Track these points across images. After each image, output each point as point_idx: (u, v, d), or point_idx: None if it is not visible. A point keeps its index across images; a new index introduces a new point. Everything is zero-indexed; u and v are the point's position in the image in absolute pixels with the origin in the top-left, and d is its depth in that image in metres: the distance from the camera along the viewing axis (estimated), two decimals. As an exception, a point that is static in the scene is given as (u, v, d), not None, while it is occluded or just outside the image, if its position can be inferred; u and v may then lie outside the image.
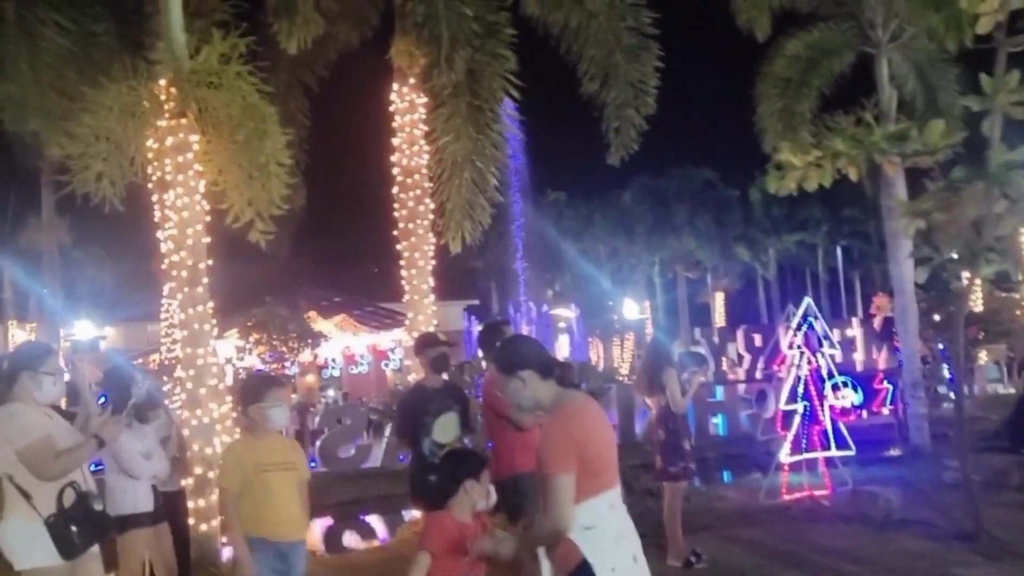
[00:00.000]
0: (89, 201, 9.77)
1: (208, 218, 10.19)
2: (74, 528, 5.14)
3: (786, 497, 11.65)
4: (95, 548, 5.35)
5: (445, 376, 7.90)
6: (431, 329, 12.76)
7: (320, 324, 29.10)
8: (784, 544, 9.43)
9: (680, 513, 9.05)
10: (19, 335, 31.85)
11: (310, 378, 27.84)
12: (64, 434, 5.32)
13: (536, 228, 40.62)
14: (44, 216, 25.51)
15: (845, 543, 9.22)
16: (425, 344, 7.81)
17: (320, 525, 14.87)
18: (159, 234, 10.10)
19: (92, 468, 5.80)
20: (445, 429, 7.33)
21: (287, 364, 23.52)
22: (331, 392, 32.89)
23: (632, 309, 38.03)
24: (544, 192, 47.96)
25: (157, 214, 10.65)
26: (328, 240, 36.81)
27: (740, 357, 23.86)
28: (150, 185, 10.80)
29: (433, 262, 12.92)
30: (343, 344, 31.56)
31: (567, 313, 37.16)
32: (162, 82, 9.65)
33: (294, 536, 5.95)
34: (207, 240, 9.93)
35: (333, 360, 32.06)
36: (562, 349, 31.39)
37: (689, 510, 10.27)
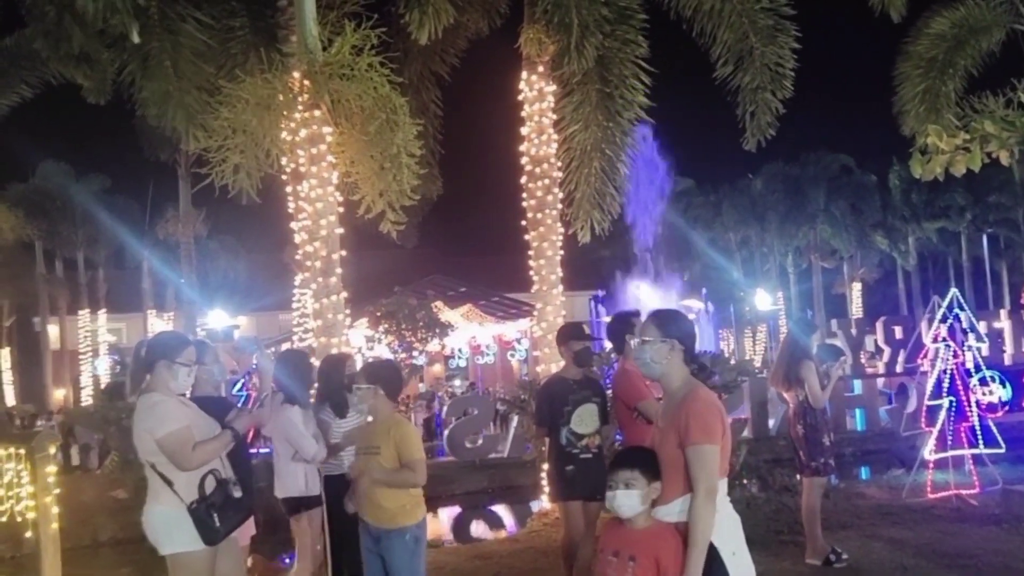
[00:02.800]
0: (226, 193, 9.97)
1: (341, 209, 10.30)
2: (215, 514, 5.21)
3: (931, 495, 11.17)
4: (235, 533, 5.42)
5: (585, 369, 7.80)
6: (560, 320, 12.67)
7: (446, 314, 29.34)
8: (929, 544, 9.02)
9: (820, 510, 8.75)
10: (158, 324, 33.03)
11: (437, 368, 28.15)
12: (201, 424, 5.39)
13: (665, 217, 40.14)
14: (181, 209, 26.36)
15: (995, 545, 8.77)
16: (569, 336, 7.70)
17: (448, 514, 15.00)
18: (293, 225, 10.25)
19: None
20: (584, 420, 7.23)
21: (415, 354, 23.76)
22: (457, 382, 33.20)
23: (764, 300, 37.34)
24: (673, 180, 47.37)
25: (291, 205, 10.78)
26: (456, 230, 37.11)
27: (879, 350, 23.08)
28: (284, 177, 10.94)
29: (561, 252, 12.76)
30: (469, 334, 31.78)
31: (696, 304, 36.66)
32: (296, 75, 9.78)
33: (376, 522, 5.89)
34: (340, 231, 10.02)
35: (459, 350, 32.31)
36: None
37: (828, 507, 9.95)
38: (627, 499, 4.15)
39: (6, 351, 43.41)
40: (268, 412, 6.39)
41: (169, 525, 5.19)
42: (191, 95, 10.83)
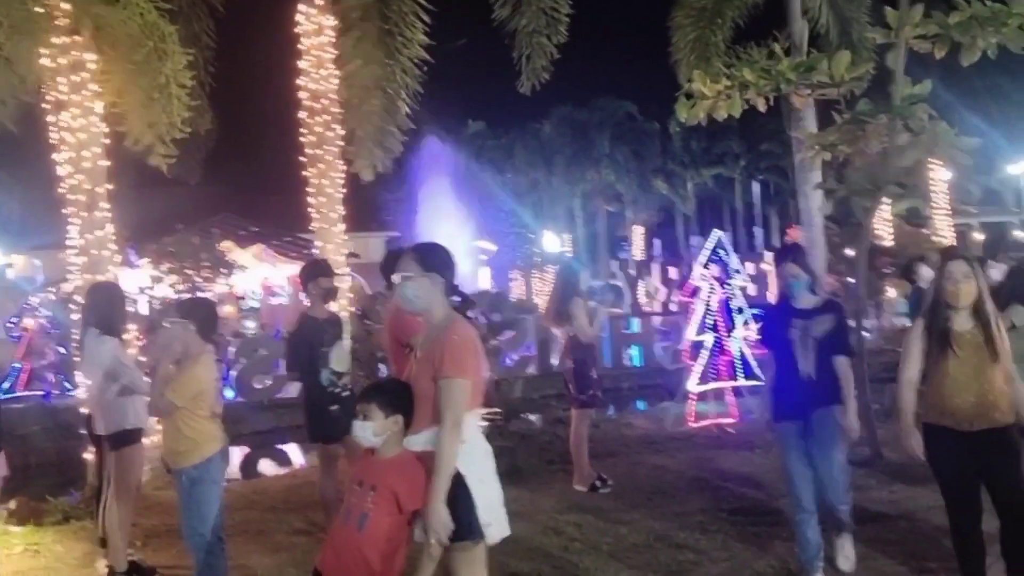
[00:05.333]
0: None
1: (108, 141, 9.87)
2: None
3: (692, 425, 11.84)
4: None
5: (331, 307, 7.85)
6: (343, 259, 12.60)
7: (237, 254, 28.61)
8: (689, 470, 9.59)
9: (587, 439, 9.16)
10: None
11: (228, 309, 27.45)
12: None
13: (456, 159, 40.24)
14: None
15: (748, 469, 9.40)
16: (317, 273, 7.67)
17: (235, 453, 14.82)
18: (55, 157, 9.72)
19: None
20: (341, 358, 7.27)
21: (200, 294, 23.12)
22: (251, 324, 32.49)
23: (552, 242, 38.14)
24: (464, 122, 47.58)
25: (54, 137, 10.25)
26: (245, 169, 36.02)
27: (656, 290, 24.06)
28: (45, 106, 10.37)
29: (343, 190, 12.61)
30: (262, 275, 31.11)
31: (488, 246, 37.04)
32: (54, -2, 9.25)
33: (171, 462, 5.82)
34: (106, 163, 9.60)
35: (252, 292, 31.58)
36: (483, 281, 31.36)
37: (597, 437, 10.42)
38: (361, 430, 4.22)
39: None
40: (12, 350, 6.11)
41: None
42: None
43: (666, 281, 24.32)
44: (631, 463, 10.08)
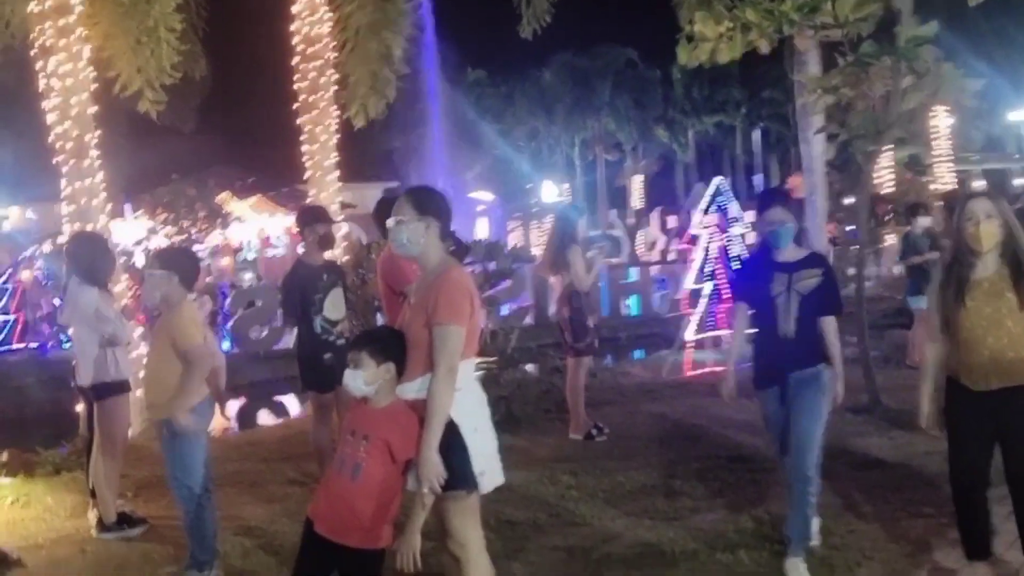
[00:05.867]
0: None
1: (96, 87, 9.69)
2: None
3: (689, 373, 11.78)
4: None
5: (327, 254, 7.72)
6: (337, 207, 12.47)
7: (234, 206, 28.49)
8: (685, 417, 9.53)
9: (583, 388, 9.08)
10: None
11: (225, 260, 27.39)
12: None
13: (456, 108, 39.96)
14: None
15: (744, 416, 9.24)
16: (313, 218, 7.53)
17: (231, 405, 14.82)
18: (44, 104, 9.54)
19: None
20: (336, 305, 7.16)
21: (197, 246, 23.04)
22: (248, 275, 32.42)
23: (551, 191, 37.98)
24: (464, 71, 47.10)
25: (42, 83, 10.07)
26: (241, 117, 35.73)
27: (655, 239, 23.97)
28: (33, 53, 10.17)
29: (337, 137, 12.44)
30: (259, 226, 31.00)
31: (487, 196, 36.89)
32: (39, -63, 9.02)
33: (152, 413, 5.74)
34: (94, 109, 9.42)
35: (248, 243, 31.51)
36: (481, 232, 31.24)
37: (594, 386, 10.36)
38: (352, 379, 4.11)
39: None
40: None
41: None
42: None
43: (665, 230, 24.19)
44: (628, 412, 10.02)
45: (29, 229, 28.23)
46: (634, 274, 20.30)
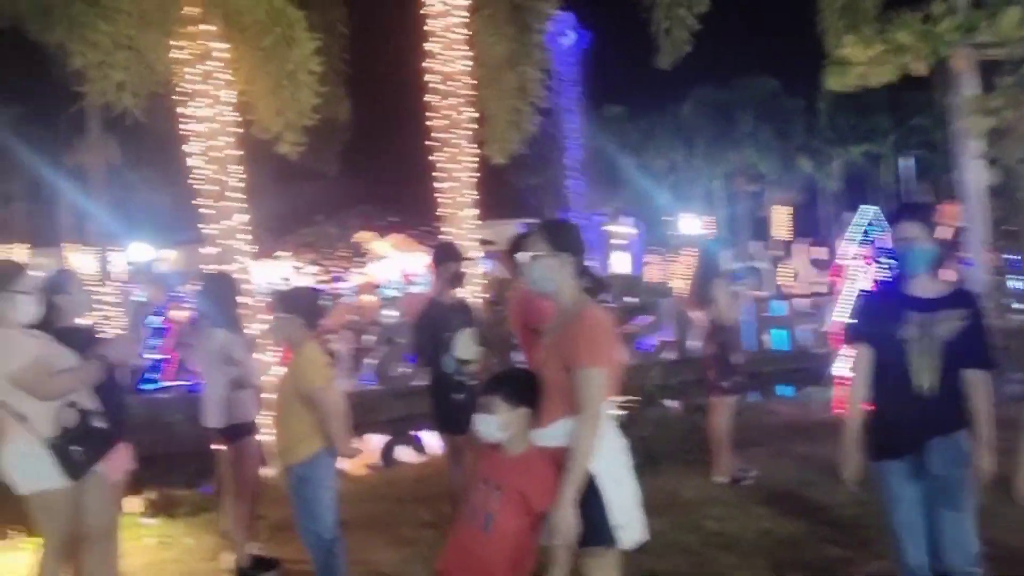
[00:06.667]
0: (118, 115, 9.50)
1: (240, 131, 9.89)
2: (76, 448, 4.93)
3: (839, 411, 11.23)
4: (99, 466, 5.14)
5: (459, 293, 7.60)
6: (474, 245, 12.38)
7: (376, 244, 28.96)
8: (836, 459, 9.00)
9: (729, 429, 8.71)
10: (75, 258, 32.13)
11: (367, 298, 27.87)
12: (57, 354, 5.07)
13: (594, 144, 39.87)
14: (91, 135, 25.15)
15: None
16: (444, 257, 7.42)
17: (368, 441, 14.91)
18: (186, 148, 9.78)
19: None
20: (467, 345, 6.99)
21: (339, 283, 23.48)
22: (390, 312, 32.90)
23: (691, 224, 37.39)
24: (603, 107, 46.99)
25: (186, 128, 10.33)
26: (382, 158, 36.49)
27: (800, 271, 23.30)
28: (176, 97, 10.47)
29: (476, 175, 12.39)
30: (401, 264, 31.49)
31: (626, 229, 36.61)
32: (184, -14, 9.28)
33: (279, 458, 5.67)
34: (236, 153, 9.61)
35: (391, 280, 32.02)
36: (619, 265, 30.97)
37: (739, 425, 9.89)
38: (484, 424, 3.93)
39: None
40: (135, 343, 6.10)
41: (26, 463, 4.90)
42: (75, 7, 10.23)
43: (811, 261, 23.46)
44: (775, 453, 9.62)
45: (182, 271, 29.29)
46: (779, 307, 19.71)
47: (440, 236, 12.26)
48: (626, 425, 4.20)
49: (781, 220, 45.35)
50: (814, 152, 51.19)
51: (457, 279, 7.37)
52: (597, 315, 4.00)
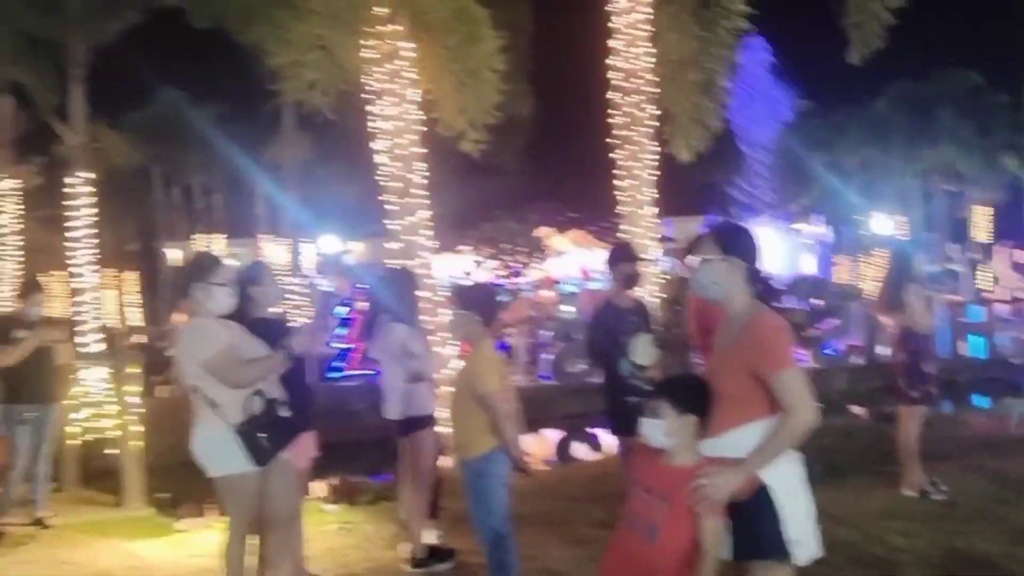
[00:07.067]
0: (307, 112, 9.82)
1: (423, 128, 10.08)
2: (262, 434, 5.11)
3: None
4: (285, 453, 5.31)
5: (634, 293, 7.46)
6: (653, 243, 12.25)
7: (555, 240, 29.10)
8: (1032, 477, 8.50)
9: (918, 439, 8.30)
10: (271, 248, 33.55)
11: (545, 293, 28.03)
12: (248, 344, 5.27)
13: (781, 139, 38.89)
14: (285, 131, 26.35)
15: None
16: (619, 257, 7.31)
17: (544, 437, 14.99)
18: (372, 145, 10.03)
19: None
20: (644, 349, 6.86)
21: (518, 278, 23.69)
22: (569, 308, 33.05)
23: (883, 224, 35.94)
24: (791, 101, 45.71)
25: (372, 125, 10.60)
26: (564, 154, 36.66)
27: (1001, 276, 22.08)
28: (364, 95, 10.76)
29: (656, 172, 12.24)
30: (580, 260, 31.54)
31: (813, 229, 35.56)
32: (373, -14, 9.50)
33: (455, 452, 5.73)
34: (420, 151, 9.80)
35: (570, 276, 32.11)
36: (807, 266, 30.10)
37: (929, 437, 9.43)
38: (650, 429, 3.81)
39: (134, 274, 44.98)
40: (318, 335, 6.27)
41: (216, 447, 5.12)
42: (275, 9, 10.62)
43: (1016, 266, 22.19)
44: (967, 468, 9.07)
45: (369, 262, 30.21)
46: (978, 313, 18.73)
47: (619, 233, 12.18)
48: (808, 434, 4.01)
49: (981, 221, 43.03)
50: (1019, 150, 48.33)
51: (632, 280, 7.26)
52: (773, 319, 3.86)
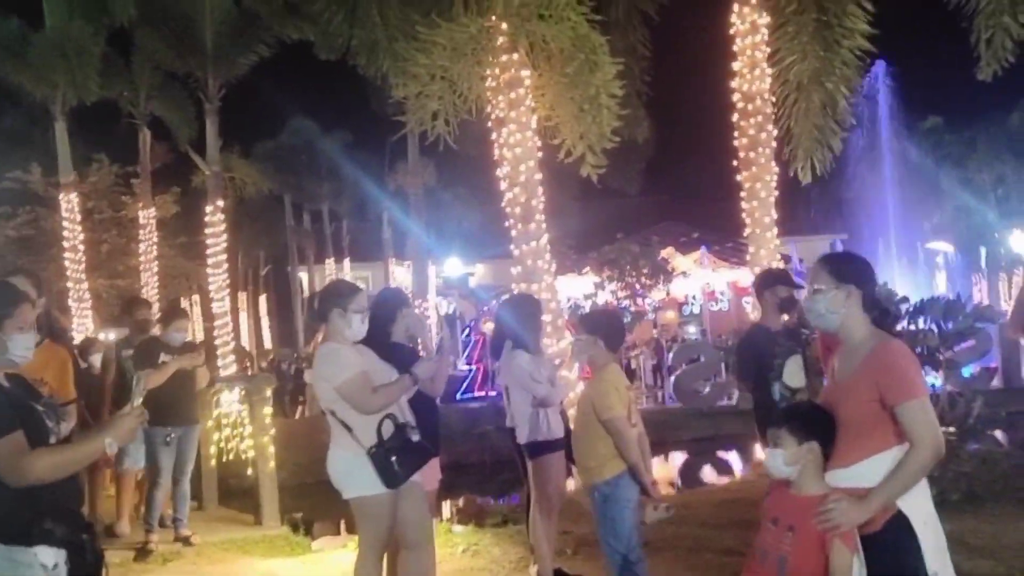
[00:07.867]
0: (431, 140, 10.03)
1: (540, 155, 10.20)
2: (394, 458, 5.23)
3: None
4: (416, 477, 5.42)
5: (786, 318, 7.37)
6: (775, 264, 12.10)
7: (678, 261, 28.89)
8: None
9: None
10: (398, 272, 34.22)
11: (669, 314, 27.86)
12: (377, 370, 5.41)
13: (910, 156, 37.81)
14: (410, 160, 27.03)
15: None
16: (774, 280, 7.24)
17: (671, 460, 14.87)
18: (497, 172, 10.21)
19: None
20: (795, 373, 6.78)
21: (641, 300, 23.61)
22: (692, 329, 32.76)
23: (1021, 241, 34.61)
24: (919, 118, 44.50)
25: (496, 153, 10.78)
26: (685, 175, 36.45)
27: None
28: (488, 124, 10.95)
29: (776, 193, 12.10)
30: (703, 280, 31.21)
31: (946, 247, 34.48)
32: (493, 17, 9.68)
33: (583, 477, 5.72)
34: (539, 176, 9.92)
35: (693, 297, 31.81)
36: (938, 286, 29.19)
37: (1077, 465, 9.11)
38: (772, 458, 3.76)
39: (263, 297, 46.40)
40: (445, 359, 6.31)
41: (350, 469, 5.25)
42: (399, 42, 10.89)
43: None
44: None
45: (491, 285, 30.49)
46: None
47: (744, 253, 12.07)
48: (944, 460, 3.91)
49: None
50: None
51: (788, 304, 7.18)
52: (898, 347, 3.77)
